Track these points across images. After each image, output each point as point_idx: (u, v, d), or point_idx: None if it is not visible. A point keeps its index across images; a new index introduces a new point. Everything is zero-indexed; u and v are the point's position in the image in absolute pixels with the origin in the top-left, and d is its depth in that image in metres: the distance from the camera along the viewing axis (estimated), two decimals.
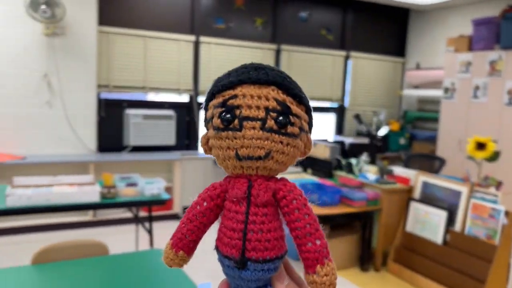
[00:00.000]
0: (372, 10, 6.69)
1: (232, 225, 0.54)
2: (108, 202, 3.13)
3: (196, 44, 5.49)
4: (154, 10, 5.26)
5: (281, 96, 0.53)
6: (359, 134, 6.62)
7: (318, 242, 0.53)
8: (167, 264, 0.59)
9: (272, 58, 6.02)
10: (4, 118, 4.56)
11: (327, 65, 6.45)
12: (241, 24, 5.79)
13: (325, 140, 5.83)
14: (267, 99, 0.52)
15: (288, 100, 0.53)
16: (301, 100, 0.55)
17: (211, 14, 5.59)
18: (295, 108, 0.54)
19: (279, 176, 0.57)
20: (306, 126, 0.56)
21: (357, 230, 4.17)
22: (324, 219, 3.50)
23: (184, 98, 5.63)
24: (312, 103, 0.54)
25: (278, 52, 6.06)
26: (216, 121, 0.53)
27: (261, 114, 0.52)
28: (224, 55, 5.66)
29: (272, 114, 0.52)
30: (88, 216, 4.85)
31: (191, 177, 5.39)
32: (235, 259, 0.53)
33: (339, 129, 6.80)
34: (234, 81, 0.54)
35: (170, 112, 5.35)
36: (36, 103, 4.67)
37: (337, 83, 6.58)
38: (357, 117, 6.31)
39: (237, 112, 0.52)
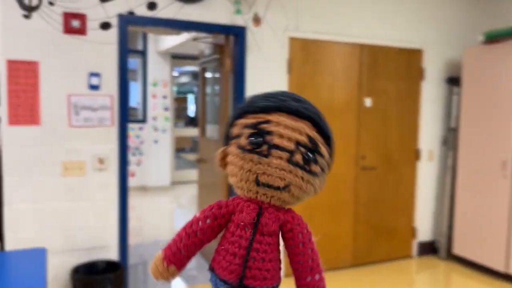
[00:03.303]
0: None
1: (233, 249, 0.54)
2: None
3: None
4: None
5: (314, 133, 0.53)
6: None
7: (317, 277, 0.55)
8: (154, 275, 0.58)
9: None
10: None
11: None
12: None
13: None
14: (300, 133, 0.53)
15: (319, 139, 0.54)
16: (329, 142, 0.56)
17: None
18: (322, 148, 0.54)
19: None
20: (326, 168, 0.57)
21: None
22: None
23: None
24: None
25: None
26: (244, 141, 0.54)
27: (291, 146, 0.52)
28: None
29: (301, 148, 0.52)
30: None
31: None
32: (232, 285, 0.53)
33: None
34: (272, 106, 0.53)
35: None
36: None
37: None
38: None
39: (268, 138, 0.52)
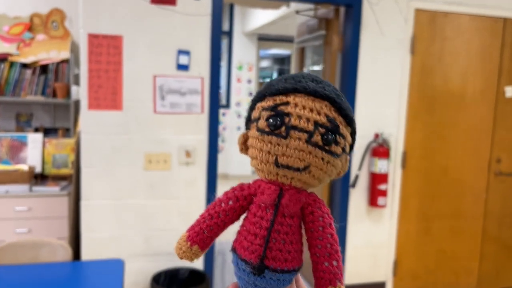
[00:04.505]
0: None
1: (255, 230, 0.52)
2: None
3: None
4: None
5: (333, 113, 0.50)
6: None
7: (335, 264, 0.52)
8: (178, 255, 0.56)
9: None
10: None
11: None
12: None
13: None
14: (319, 114, 0.50)
15: (339, 119, 0.51)
16: (350, 121, 0.52)
17: None
18: (343, 129, 0.51)
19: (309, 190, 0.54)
20: (348, 148, 0.54)
21: None
22: None
23: None
24: None
25: None
26: (263, 123, 0.51)
27: (310, 127, 0.49)
28: None
29: (320, 129, 0.49)
30: None
31: None
32: (253, 265, 0.51)
33: None
34: (289, 88, 0.51)
35: None
36: None
37: None
38: None
39: (286, 119, 0.50)
